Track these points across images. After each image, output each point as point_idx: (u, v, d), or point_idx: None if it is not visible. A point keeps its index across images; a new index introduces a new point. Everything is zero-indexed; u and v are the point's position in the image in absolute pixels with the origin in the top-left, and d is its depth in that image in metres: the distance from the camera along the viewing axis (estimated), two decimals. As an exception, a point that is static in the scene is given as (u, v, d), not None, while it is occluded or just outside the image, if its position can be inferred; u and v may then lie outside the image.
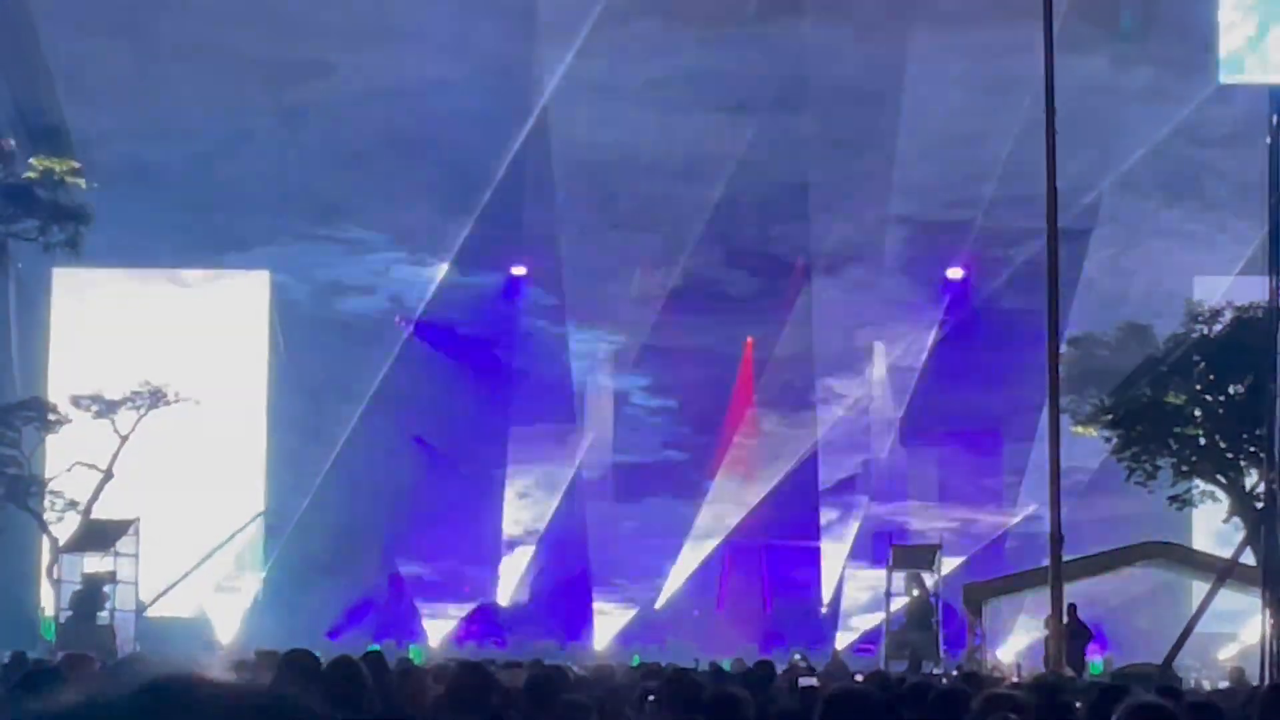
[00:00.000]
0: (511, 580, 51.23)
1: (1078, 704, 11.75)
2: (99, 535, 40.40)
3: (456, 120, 49.05)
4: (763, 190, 50.80)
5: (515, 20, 48.73)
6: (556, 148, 49.80)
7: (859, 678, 22.73)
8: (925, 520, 49.82)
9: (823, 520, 51.28)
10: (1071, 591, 28.56)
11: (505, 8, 49.21)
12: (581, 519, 51.67)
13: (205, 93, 48.87)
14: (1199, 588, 37.81)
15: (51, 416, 44.55)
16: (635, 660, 34.61)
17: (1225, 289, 41.50)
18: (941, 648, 37.44)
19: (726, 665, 28.95)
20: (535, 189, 50.40)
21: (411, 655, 34.98)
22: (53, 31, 46.87)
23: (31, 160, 42.97)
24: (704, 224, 50.94)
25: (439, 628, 49.41)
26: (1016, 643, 43.48)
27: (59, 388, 47.37)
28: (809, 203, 50.69)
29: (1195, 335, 38.04)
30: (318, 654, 11.46)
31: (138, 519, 40.69)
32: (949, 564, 41.09)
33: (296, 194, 49.70)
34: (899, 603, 38.07)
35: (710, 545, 51.37)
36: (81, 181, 43.14)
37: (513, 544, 51.58)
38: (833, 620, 49.52)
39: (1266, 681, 23.92)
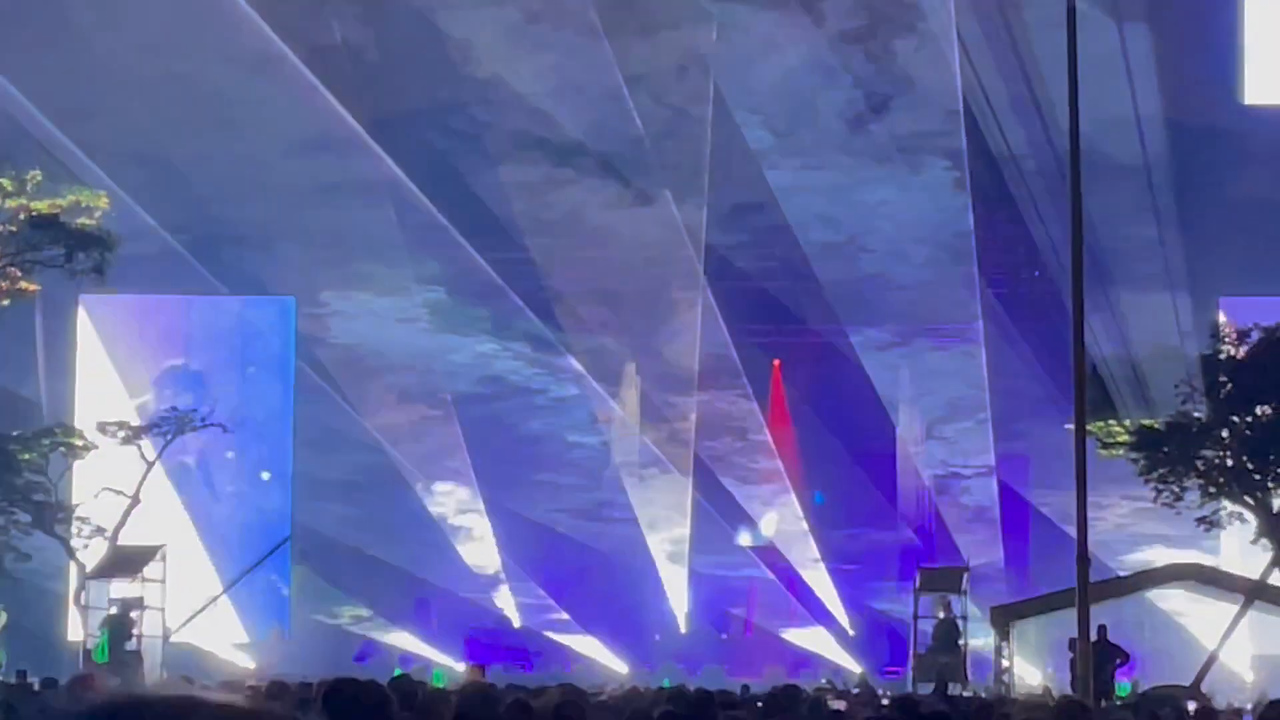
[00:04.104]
0: (542, 604, 51.11)
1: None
2: (126, 561, 40.44)
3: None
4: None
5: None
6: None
7: (885, 700, 22.68)
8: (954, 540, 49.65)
9: (852, 543, 51.12)
10: (1099, 612, 28.43)
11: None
12: (608, 542, 51.58)
13: (237, 123, 48.96)
14: (1228, 609, 37.68)
15: (78, 443, 44.58)
16: (665, 683, 34.52)
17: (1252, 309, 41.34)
18: (969, 670, 37.37)
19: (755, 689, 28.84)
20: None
21: (434, 679, 34.95)
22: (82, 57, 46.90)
23: (60, 192, 43.04)
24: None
25: (464, 652, 49.25)
26: (1045, 665, 43.33)
27: (86, 414, 47.42)
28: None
29: (1222, 356, 37.90)
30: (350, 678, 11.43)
31: (165, 545, 40.76)
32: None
33: (319, 225, 49.79)
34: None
35: (739, 567, 51.26)
36: (104, 202, 43.23)
37: (537, 569, 51.48)
38: (861, 643, 49.29)
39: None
